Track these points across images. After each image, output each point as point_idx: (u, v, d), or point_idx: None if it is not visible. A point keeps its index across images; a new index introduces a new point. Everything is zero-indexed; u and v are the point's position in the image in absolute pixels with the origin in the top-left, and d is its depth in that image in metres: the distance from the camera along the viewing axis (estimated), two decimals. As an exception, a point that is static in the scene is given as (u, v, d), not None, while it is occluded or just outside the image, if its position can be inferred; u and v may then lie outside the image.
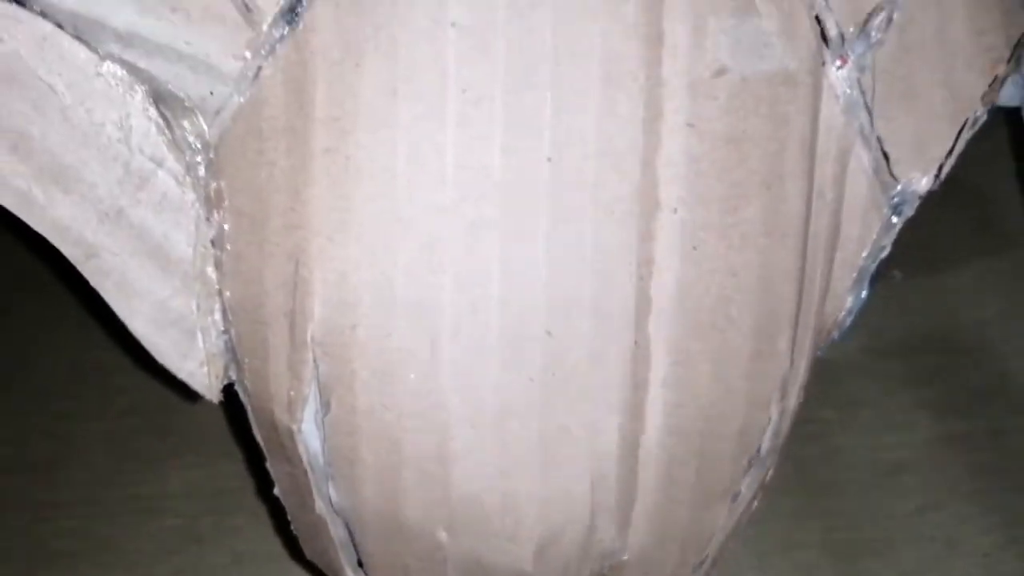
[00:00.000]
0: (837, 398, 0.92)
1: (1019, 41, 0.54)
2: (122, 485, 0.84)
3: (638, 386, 0.51)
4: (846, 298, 0.55)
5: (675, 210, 0.49)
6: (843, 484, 0.86)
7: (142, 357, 0.52)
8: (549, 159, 0.48)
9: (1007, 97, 0.61)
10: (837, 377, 0.93)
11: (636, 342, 0.50)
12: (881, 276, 0.56)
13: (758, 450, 0.54)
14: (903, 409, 0.92)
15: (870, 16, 0.50)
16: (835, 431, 0.90)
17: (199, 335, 0.51)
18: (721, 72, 0.48)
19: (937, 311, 1.00)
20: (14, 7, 0.45)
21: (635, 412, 0.51)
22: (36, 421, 0.90)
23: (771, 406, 0.53)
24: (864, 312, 0.57)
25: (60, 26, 0.46)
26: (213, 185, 0.49)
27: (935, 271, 1.01)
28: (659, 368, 0.51)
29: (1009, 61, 0.53)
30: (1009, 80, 0.56)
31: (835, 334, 0.56)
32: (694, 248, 0.50)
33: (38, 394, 0.93)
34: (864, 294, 0.56)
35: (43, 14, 0.45)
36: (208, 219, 0.49)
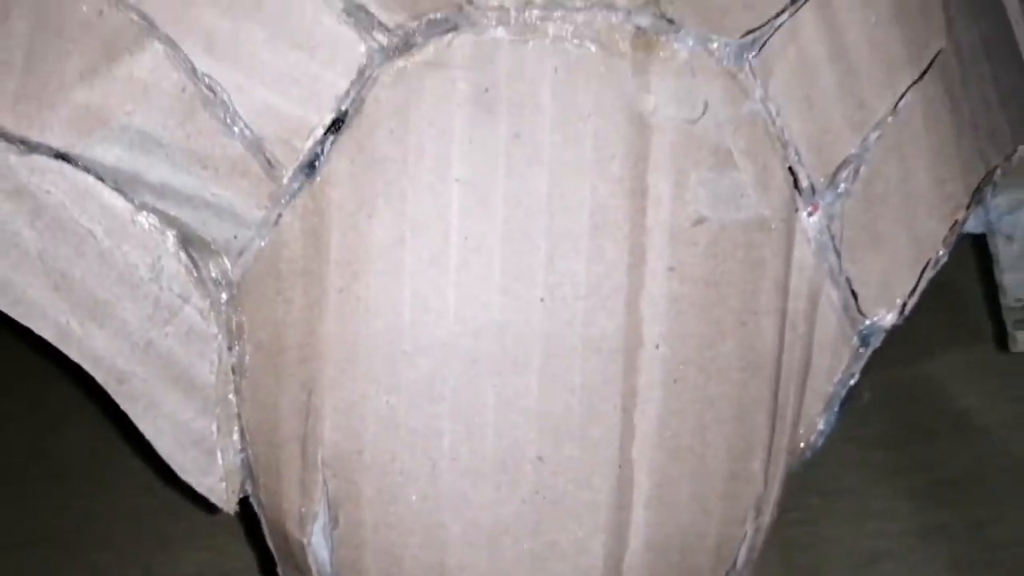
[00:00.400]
0: (821, 485, 0.96)
1: (978, 187, 0.58)
2: (137, 564, 0.88)
3: (622, 507, 0.55)
4: (817, 422, 0.59)
5: (657, 346, 0.53)
6: (825, 571, 0.90)
7: (160, 468, 0.56)
8: (542, 299, 0.52)
9: (969, 225, 0.65)
10: (821, 465, 0.96)
11: (620, 466, 0.54)
12: (851, 397, 0.61)
13: (734, 563, 0.58)
14: (885, 498, 0.95)
15: (839, 169, 0.55)
16: (818, 518, 0.94)
17: (219, 454, 0.55)
18: (700, 221, 0.53)
19: (917, 402, 1.04)
20: (60, 163, 0.50)
21: (619, 531, 0.55)
22: (55, 499, 0.94)
23: (746, 523, 0.57)
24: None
25: (101, 179, 0.50)
26: (235, 319, 0.53)
27: (914, 363, 1.05)
28: (641, 490, 0.55)
29: (968, 207, 0.58)
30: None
31: (808, 453, 0.60)
32: (674, 381, 0.54)
33: (57, 473, 0.97)
34: (835, 417, 0.60)
35: (86, 169, 0.50)
36: (230, 349, 0.54)
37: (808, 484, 0.93)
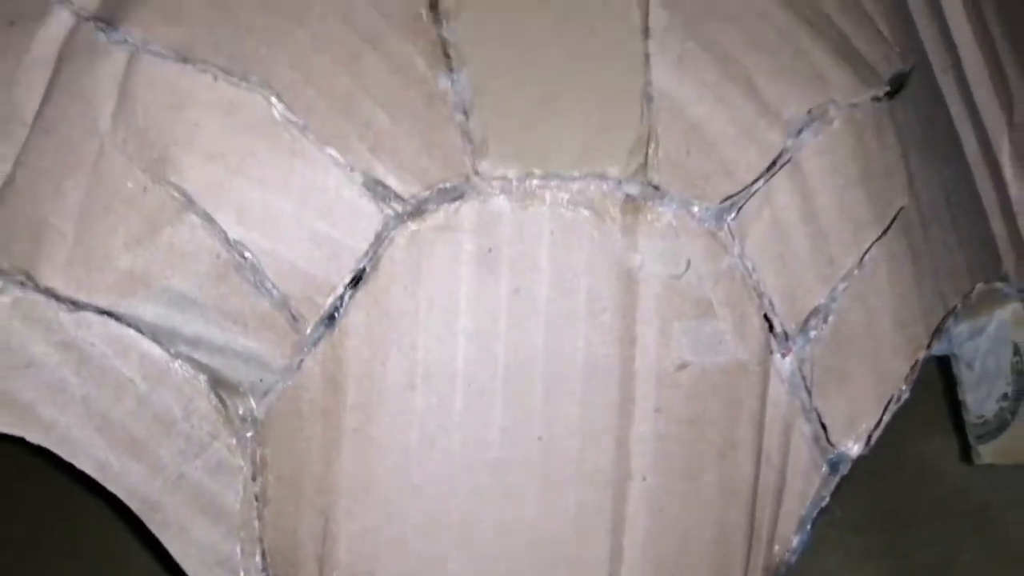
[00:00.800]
0: (804, 569, 1.00)
1: (938, 327, 0.64)
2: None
3: (612, 622, 0.60)
4: (791, 541, 0.64)
5: (644, 478, 0.59)
6: (806, 654, 0.94)
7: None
8: (540, 438, 0.58)
9: (934, 349, 0.71)
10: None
11: (610, 586, 0.59)
12: (822, 514, 0.66)
13: (714, 672, 0.63)
14: (864, 582, 1.00)
15: (809, 317, 0.60)
16: (801, 601, 0.98)
17: (242, 574, 0.60)
18: (684, 366, 0.58)
19: (897, 487, 1.09)
20: (104, 319, 0.55)
21: (609, 646, 0.60)
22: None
23: (725, 637, 0.62)
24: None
25: (141, 332, 0.56)
26: (259, 452, 0.58)
27: (895, 448, 1.10)
28: (629, 609, 0.60)
29: (929, 346, 0.63)
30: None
31: (782, 569, 0.66)
32: (660, 510, 0.59)
33: (69, 552, 1.01)
34: (807, 535, 0.65)
35: (128, 324, 0.55)
36: (254, 479, 0.59)
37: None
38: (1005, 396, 0.74)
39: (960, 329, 0.70)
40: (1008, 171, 0.72)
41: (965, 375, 0.72)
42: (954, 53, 0.71)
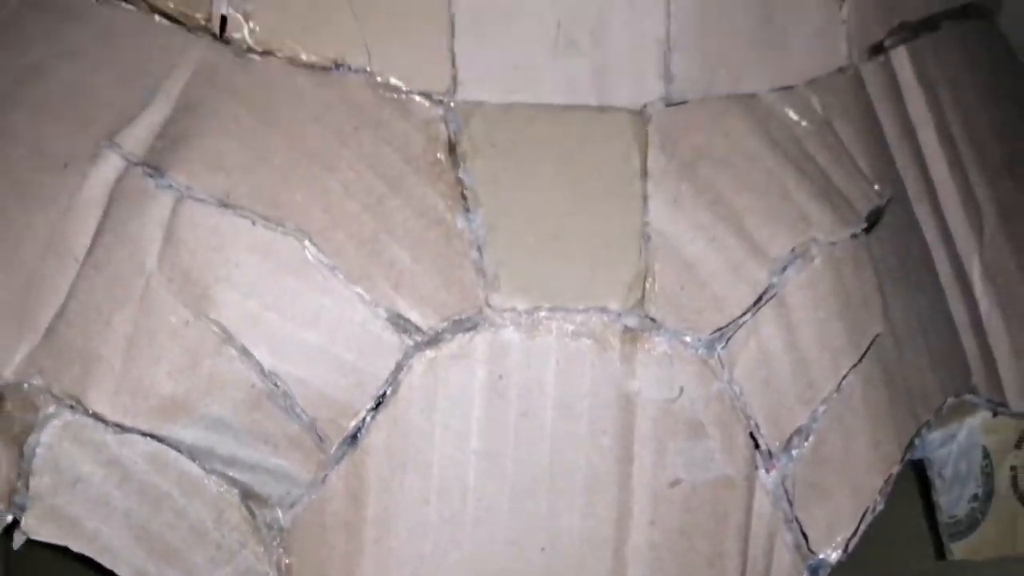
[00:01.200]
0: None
1: (910, 442, 0.69)
2: None
3: None
4: (775, 636, 0.69)
5: (639, 585, 0.64)
6: None
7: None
8: (543, 549, 0.62)
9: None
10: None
11: None
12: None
13: None
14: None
15: (791, 436, 0.65)
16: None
17: (265, 676, 0.65)
18: (677, 482, 0.63)
19: (881, 560, 1.13)
20: (147, 440, 0.60)
21: None
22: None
23: None
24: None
25: (180, 451, 0.61)
26: (285, 560, 0.63)
27: (879, 523, 1.15)
28: None
29: (902, 461, 0.68)
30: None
31: (769, 661, 0.70)
32: (653, 615, 0.64)
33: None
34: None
35: (169, 445, 0.60)
36: (279, 584, 0.64)
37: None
38: (975, 497, 0.79)
39: (932, 437, 0.76)
40: (978, 288, 0.77)
41: (938, 480, 0.77)
42: (928, 181, 0.76)
